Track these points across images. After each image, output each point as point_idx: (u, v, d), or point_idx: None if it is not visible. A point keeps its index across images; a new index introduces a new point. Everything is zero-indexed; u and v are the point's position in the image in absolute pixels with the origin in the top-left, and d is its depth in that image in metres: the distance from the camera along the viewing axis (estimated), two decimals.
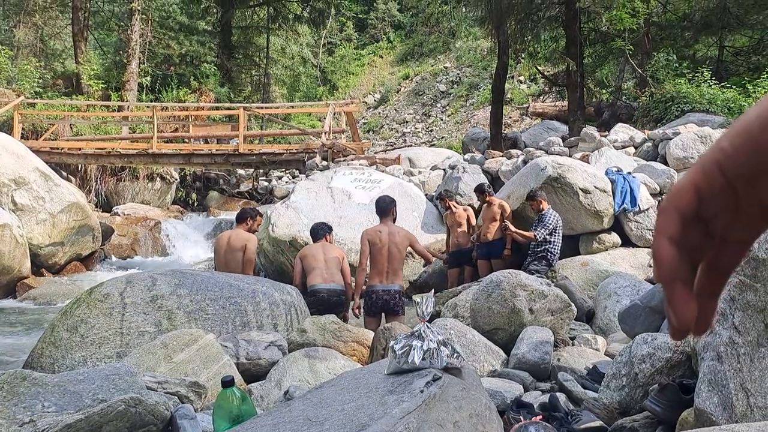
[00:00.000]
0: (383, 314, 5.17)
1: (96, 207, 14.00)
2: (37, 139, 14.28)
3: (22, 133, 13.77)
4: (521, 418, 2.18)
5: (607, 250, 7.60)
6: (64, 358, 3.90)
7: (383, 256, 5.15)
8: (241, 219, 5.71)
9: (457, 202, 8.23)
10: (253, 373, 3.73)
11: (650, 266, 7.42)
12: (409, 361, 1.68)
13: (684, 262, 0.48)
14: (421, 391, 1.55)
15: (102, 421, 2.20)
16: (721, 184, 0.47)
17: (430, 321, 1.77)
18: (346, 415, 1.56)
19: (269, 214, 9.52)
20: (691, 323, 0.48)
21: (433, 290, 1.76)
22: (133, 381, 2.58)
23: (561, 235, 7.07)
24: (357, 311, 5.30)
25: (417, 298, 1.73)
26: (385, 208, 5.38)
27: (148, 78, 19.60)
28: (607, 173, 7.85)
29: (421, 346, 1.69)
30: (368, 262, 5.29)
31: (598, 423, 2.51)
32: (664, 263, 0.48)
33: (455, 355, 1.73)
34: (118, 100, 17.68)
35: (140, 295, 4.20)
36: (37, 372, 2.67)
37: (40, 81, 17.09)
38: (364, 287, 5.35)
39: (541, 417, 2.02)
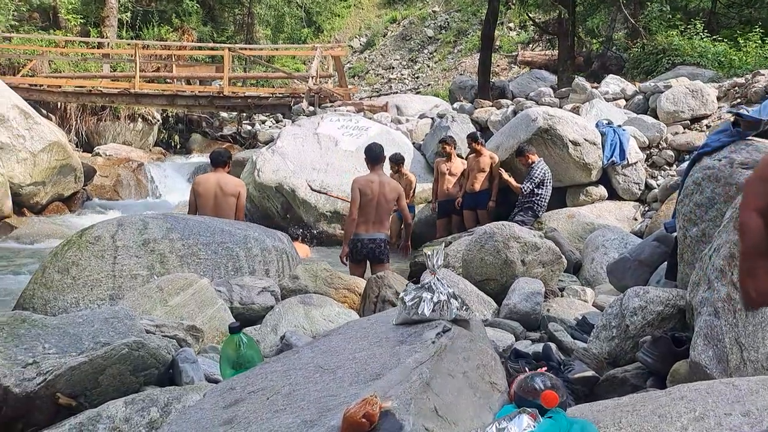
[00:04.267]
0: (368, 262, 5.22)
1: (77, 147, 13.71)
2: (14, 75, 13.81)
3: None
4: (519, 367, 2.24)
5: (593, 202, 7.68)
6: (56, 299, 3.88)
7: (372, 207, 5.16)
8: (221, 162, 5.50)
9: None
10: (247, 317, 3.75)
11: (635, 219, 7.53)
12: (419, 312, 1.70)
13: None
14: (433, 342, 1.57)
15: (105, 364, 2.21)
16: None
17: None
18: (359, 364, 1.58)
19: (255, 159, 9.41)
20: (763, 295, 0.48)
21: (442, 245, 1.76)
22: (132, 324, 2.58)
23: (550, 187, 7.10)
24: (344, 259, 5.32)
25: (427, 251, 1.73)
26: (377, 156, 5.33)
27: (128, 14, 18.91)
28: (597, 126, 7.84)
29: (431, 298, 1.71)
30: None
31: (590, 373, 2.58)
32: (751, 236, 0.48)
33: (464, 307, 1.75)
34: (97, 37, 17.08)
35: (132, 238, 4.16)
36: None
37: (15, 14, 16.41)
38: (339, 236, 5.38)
39: (546, 368, 2.07)
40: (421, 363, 1.47)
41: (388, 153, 9.17)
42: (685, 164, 7.36)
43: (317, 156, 9.38)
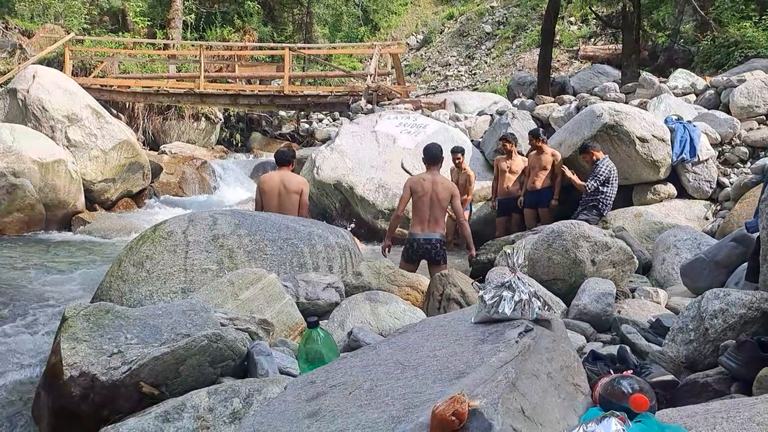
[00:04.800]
0: (426, 263, 5.20)
1: (144, 145, 14.21)
2: (86, 77, 14.43)
3: (72, 71, 13.92)
4: (598, 369, 2.18)
5: (661, 201, 7.43)
6: (132, 291, 4.03)
7: (425, 204, 5.15)
8: (286, 161, 5.66)
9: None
10: (312, 312, 3.79)
11: (706, 218, 7.23)
12: (500, 311, 1.68)
13: None
14: (516, 342, 1.55)
15: (186, 355, 2.28)
16: None
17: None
18: (440, 361, 1.57)
19: (314, 157, 9.53)
20: None
21: (523, 243, 1.73)
22: (208, 317, 2.65)
23: (616, 185, 6.91)
24: (385, 251, 5.32)
25: (508, 249, 1.71)
26: (435, 156, 5.31)
27: (192, 16, 19.47)
28: (666, 122, 7.58)
29: (512, 297, 1.68)
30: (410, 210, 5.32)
31: (670, 377, 2.49)
32: None
33: (546, 307, 1.72)
34: (163, 38, 17.66)
35: (202, 233, 4.28)
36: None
37: (87, 17, 17.15)
38: (399, 233, 5.39)
39: (631, 372, 2.02)
40: (505, 362, 1.45)
41: (446, 150, 9.22)
42: (762, 161, 7.06)
43: (375, 154, 9.41)
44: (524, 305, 1.66)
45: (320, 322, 3.67)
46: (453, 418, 1.24)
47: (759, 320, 2.71)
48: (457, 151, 7.89)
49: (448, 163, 8.80)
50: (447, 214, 5.95)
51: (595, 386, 1.73)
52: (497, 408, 1.29)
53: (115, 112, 13.78)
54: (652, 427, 1.46)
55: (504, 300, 1.67)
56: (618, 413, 1.48)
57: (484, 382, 1.38)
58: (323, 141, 13.68)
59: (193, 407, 1.87)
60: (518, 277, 1.70)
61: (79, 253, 7.80)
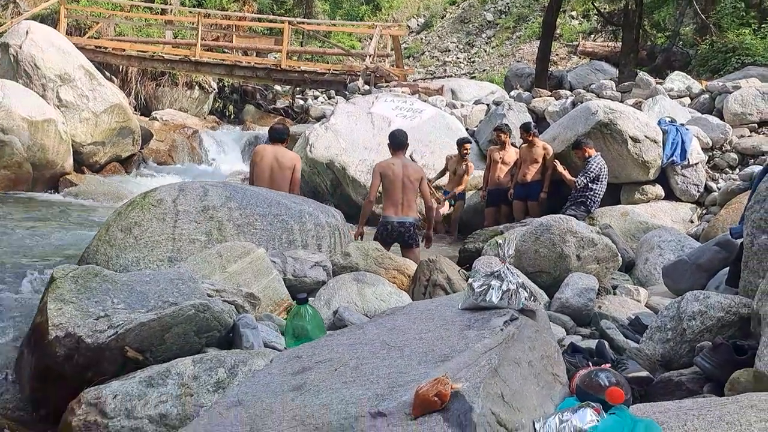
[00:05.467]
0: (399, 246, 5.24)
1: (135, 110, 14.06)
2: (81, 36, 14.21)
3: (66, 29, 13.69)
4: (576, 362, 2.23)
5: (648, 201, 7.50)
6: (118, 257, 4.03)
7: (397, 189, 5.19)
8: (280, 138, 5.64)
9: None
10: (299, 289, 3.80)
11: (692, 222, 7.33)
12: (487, 299, 1.71)
13: None
14: (501, 330, 1.58)
15: (172, 323, 2.30)
16: None
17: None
18: (426, 344, 1.60)
19: (307, 135, 9.50)
20: None
21: (514, 234, 1.76)
22: (195, 287, 2.67)
23: (605, 183, 6.97)
24: (358, 238, 5.34)
25: (499, 240, 1.74)
26: (401, 142, 5.36)
27: None
28: (659, 123, 7.63)
29: (500, 286, 1.72)
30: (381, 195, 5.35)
31: (645, 373, 2.55)
32: None
33: (532, 298, 1.75)
34: (161, 3, 17.40)
35: (192, 204, 4.27)
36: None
37: None
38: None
39: (610, 365, 2.07)
40: (489, 349, 1.49)
41: (441, 137, 9.25)
42: (750, 168, 7.14)
43: (369, 135, 9.40)
44: (511, 295, 1.70)
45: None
46: (435, 398, 1.28)
47: (736, 324, 2.78)
48: (466, 142, 7.99)
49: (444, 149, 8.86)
50: (438, 201, 6.00)
51: (573, 377, 1.78)
52: (478, 392, 1.32)
53: (108, 74, 13.58)
54: (626, 420, 1.50)
55: (492, 289, 1.71)
56: (594, 404, 1.53)
57: (467, 366, 1.42)
58: (317, 119, 13.59)
59: (178, 374, 1.89)
60: (507, 268, 1.74)
61: (64, 215, 7.75)
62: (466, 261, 4.82)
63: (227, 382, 1.85)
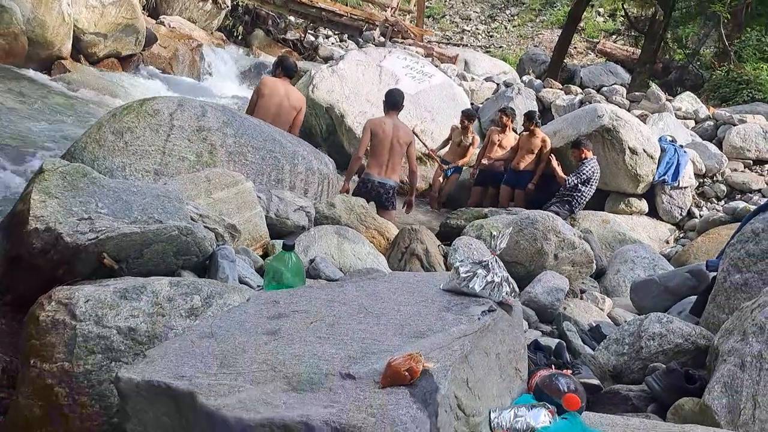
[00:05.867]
0: (375, 205, 5.25)
1: (144, 10, 13.64)
2: None
3: None
4: (537, 359, 2.30)
5: (631, 214, 7.61)
6: (105, 159, 3.98)
7: (385, 149, 5.19)
8: (290, 73, 5.53)
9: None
10: (278, 230, 3.82)
11: (667, 242, 7.46)
12: (470, 286, 1.74)
13: None
14: (478, 318, 1.62)
15: (154, 240, 2.29)
16: None
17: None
18: (403, 317, 1.63)
19: (312, 74, 9.34)
20: None
21: (509, 229, 1.78)
22: (180, 207, 2.65)
23: (594, 187, 7.03)
24: (344, 192, 5.35)
25: (494, 231, 1.75)
26: (396, 102, 5.35)
27: None
28: (660, 140, 7.68)
29: (485, 276, 1.74)
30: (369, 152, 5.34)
31: (595, 381, 2.64)
32: None
33: (513, 293, 1.79)
34: None
35: (189, 121, 4.21)
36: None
37: None
38: (355, 177, 5.43)
39: (570, 371, 2.13)
40: (464, 335, 1.52)
41: (444, 107, 9.17)
42: (735, 203, 7.26)
43: (375, 89, 9.28)
44: (494, 287, 1.73)
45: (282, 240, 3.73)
46: (406, 373, 1.31)
47: (691, 353, 2.87)
48: (470, 114, 7.93)
49: (446, 119, 8.81)
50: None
51: (533, 375, 1.83)
52: (447, 374, 1.36)
53: None
54: (576, 427, 1.56)
55: (477, 277, 1.73)
56: (549, 406, 1.58)
57: (441, 347, 1.45)
58: (325, 60, 13.36)
59: (153, 292, 1.90)
60: (495, 260, 1.76)
61: (52, 101, 7.58)
62: (446, 236, 4.86)
63: (201, 311, 1.87)
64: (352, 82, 9.17)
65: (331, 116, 8.87)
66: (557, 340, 3.05)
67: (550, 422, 1.56)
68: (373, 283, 1.90)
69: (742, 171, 8.16)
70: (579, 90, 10.09)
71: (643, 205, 7.67)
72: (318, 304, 1.73)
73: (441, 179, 8.05)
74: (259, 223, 3.58)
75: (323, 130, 9.01)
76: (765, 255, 2.96)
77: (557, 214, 6.69)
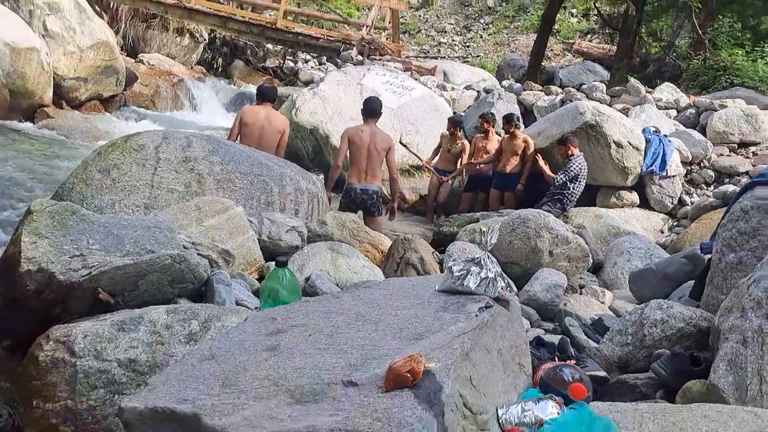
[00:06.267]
0: (362, 214, 5.28)
1: (122, 50, 13.72)
2: None
3: None
4: (540, 355, 2.29)
5: (623, 207, 7.64)
6: (93, 197, 3.97)
7: (362, 156, 5.24)
8: (270, 98, 5.58)
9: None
10: (272, 252, 3.82)
11: (662, 232, 7.49)
12: (465, 284, 1.74)
13: None
14: (476, 315, 1.62)
15: (148, 270, 2.29)
16: None
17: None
18: (401, 321, 1.63)
19: (294, 98, 9.40)
20: None
21: (498, 224, 1.79)
22: (172, 237, 2.65)
23: (583, 183, 7.06)
24: (328, 200, 5.35)
25: (483, 227, 1.77)
26: (375, 109, 5.41)
27: None
28: (644, 131, 7.74)
29: (479, 272, 1.75)
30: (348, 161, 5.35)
31: (602, 373, 2.63)
32: None
33: (508, 288, 1.79)
34: None
35: (174, 153, 4.22)
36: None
37: None
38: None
39: (575, 362, 2.13)
40: (463, 333, 1.52)
41: (427, 118, 9.23)
42: (724, 187, 7.31)
43: (357, 106, 9.28)
44: (489, 283, 1.73)
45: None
46: (408, 374, 1.30)
47: (694, 336, 2.87)
48: (456, 121, 8.02)
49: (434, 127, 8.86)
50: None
51: (537, 370, 1.83)
52: (449, 373, 1.36)
53: (99, 9, 13.18)
54: (584, 416, 1.56)
55: (471, 275, 1.74)
56: (556, 397, 1.58)
57: (441, 347, 1.45)
58: (306, 83, 13.44)
59: (151, 322, 1.89)
60: (488, 256, 1.77)
61: (35, 148, 7.58)
62: (439, 244, 4.86)
63: (200, 335, 1.86)
64: (334, 102, 9.23)
65: (316, 137, 8.92)
66: (560, 336, 3.04)
67: (558, 413, 1.55)
68: (368, 291, 1.90)
69: (728, 155, 8.23)
70: (559, 90, 10.18)
71: (634, 197, 7.70)
72: (315, 316, 1.73)
73: (436, 189, 8.06)
74: (252, 247, 3.58)
75: (309, 151, 9.06)
76: (756, 232, 2.97)
77: (549, 213, 6.76)
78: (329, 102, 9.21)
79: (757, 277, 2.28)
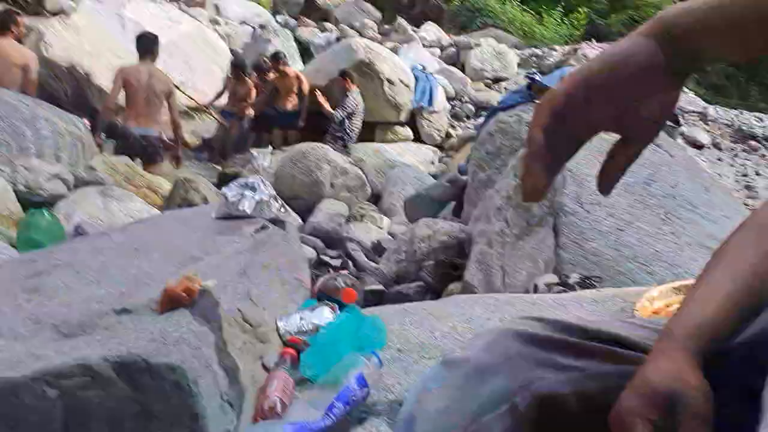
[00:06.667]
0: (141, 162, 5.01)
1: None
2: None
3: None
4: (321, 273, 2.44)
5: (398, 141, 8.15)
6: None
7: (141, 98, 4.98)
8: (5, 26, 4.81)
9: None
10: (32, 203, 3.44)
11: (432, 163, 8.17)
12: (240, 208, 1.77)
13: (545, 147, 0.62)
14: (252, 236, 1.67)
15: None
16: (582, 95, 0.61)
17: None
18: (176, 248, 1.62)
19: (42, 30, 8.28)
20: (535, 191, 0.63)
21: (270, 146, 1.84)
22: None
23: (360, 119, 7.37)
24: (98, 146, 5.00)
25: (255, 152, 1.81)
26: (149, 47, 5.12)
27: None
28: (412, 69, 8.26)
29: (253, 196, 1.79)
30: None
31: (379, 287, 2.89)
32: (533, 144, 0.62)
33: (282, 209, 1.86)
34: None
35: None
36: None
37: None
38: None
39: (347, 271, 2.29)
40: (239, 252, 1.57)
41: (202, 54, 8.78)
42: (481, 119, 8.16)
43: (120, 42, 8.54)
44: (264, 205, 1.79)
45: None
46: (184, 294, 1.32)
47: (455, 247, 3.25)
48: (239, 64, 7.67)
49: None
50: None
51: (315, 283, 1.96)
52: (226, 290, 1.40)
53: None
54: (357, 316, 1.72)
55: (245, 198, 1.77)
56: (330, 303, 1.72)
57: (217, 267, 1.48)
58: (54, 13, 11.82)
59: None
60: (261, 180, 1.82)
61: None
62: (225, 184, 4.78)
63: None
64: (91, 35, 8.34)
65: (75, 77, 8.00)
66: (341, 260, 3.25)
67: (334, 318, 1.69)
68: (140, 225, 1.85)
69: (484, 90, 9.16)
70: (332, 27, 10.34)
71: (407, 131, 8.26)
72: (82, 255, 1.64)
73: (223, 132, 7.75)
74: (5, 198, 3.19)
75: (69, 93, 8.11)
76: (500, 152, 3.42)
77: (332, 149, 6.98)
78: (86, 35, 8.29)
79: (498, 187, 2.65)
